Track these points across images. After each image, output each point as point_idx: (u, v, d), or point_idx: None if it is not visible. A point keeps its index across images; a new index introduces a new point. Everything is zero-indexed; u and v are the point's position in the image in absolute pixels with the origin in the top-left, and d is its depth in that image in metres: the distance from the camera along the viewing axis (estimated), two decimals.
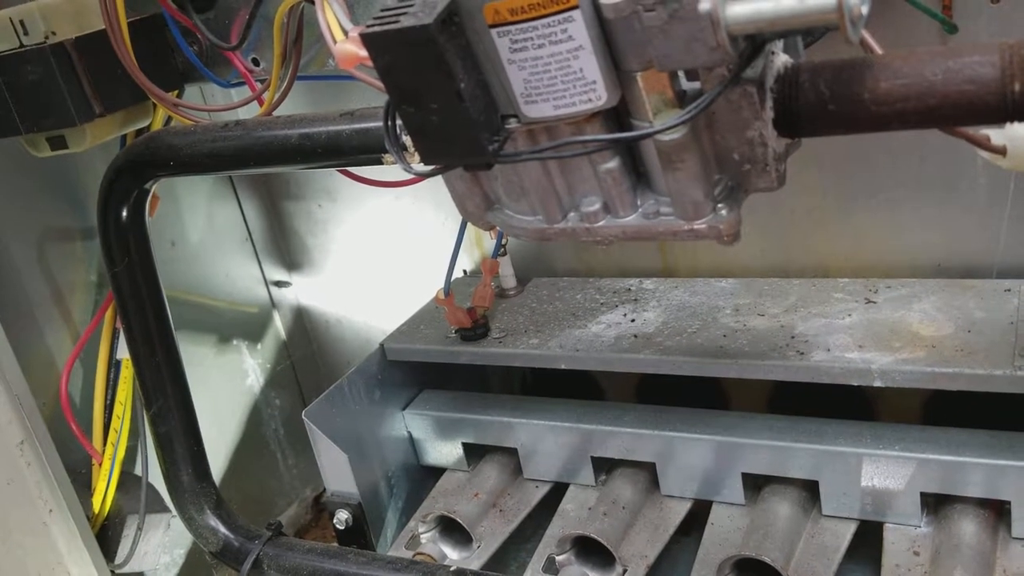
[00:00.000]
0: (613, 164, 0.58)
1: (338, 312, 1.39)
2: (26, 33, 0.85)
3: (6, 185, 1.00)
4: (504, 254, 1.07)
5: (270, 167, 0.79)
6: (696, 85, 0.53)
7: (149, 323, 0.93)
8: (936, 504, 0.82)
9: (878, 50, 0.55)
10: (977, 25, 0.79)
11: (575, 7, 0.49)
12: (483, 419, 1.01)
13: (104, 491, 1.03)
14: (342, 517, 1.00)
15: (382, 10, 0.52)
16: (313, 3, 0.62)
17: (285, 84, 0.84)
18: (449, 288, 1.00)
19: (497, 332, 1.01)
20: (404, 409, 1.07)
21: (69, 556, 0.99)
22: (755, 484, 0.90)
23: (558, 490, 0.99)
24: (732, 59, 0.48)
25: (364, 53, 0.54)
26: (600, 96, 0.53)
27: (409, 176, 0.63)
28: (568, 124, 0.56)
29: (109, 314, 1.04)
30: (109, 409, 1.04)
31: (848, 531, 0.84)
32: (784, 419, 0.88)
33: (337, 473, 0.99)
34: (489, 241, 1.10)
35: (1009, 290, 0.86)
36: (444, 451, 1.06)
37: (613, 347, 0.92)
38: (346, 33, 0.60)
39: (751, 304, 0.95)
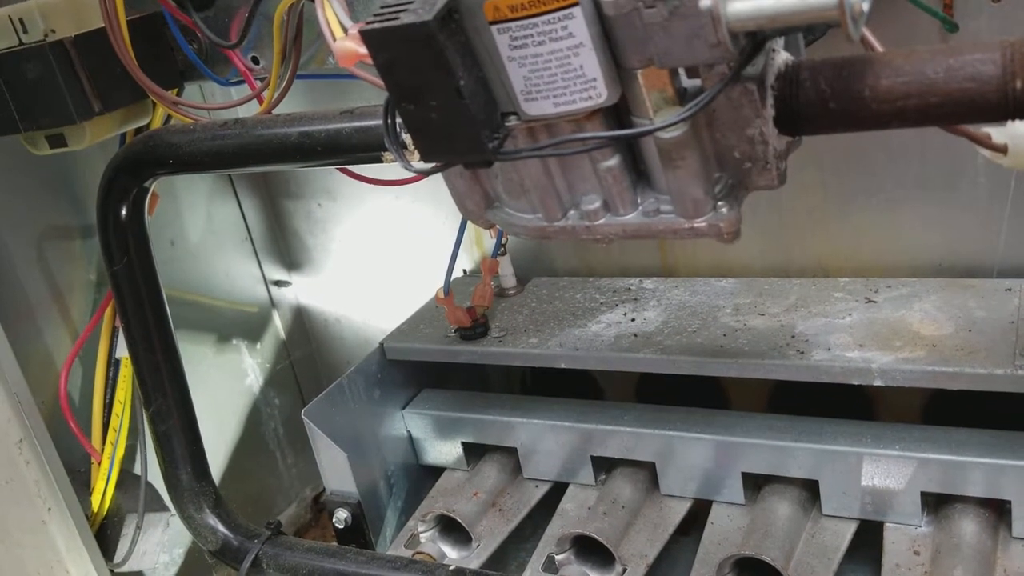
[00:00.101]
0: (613, 162, 0.58)
1: (338, 311, 1.39)
2: (25, 31, 0.85)
3: (5, 183, 1.00)
4: (504, 253, 1.07)
5: (270, 165, 0.79)
6: (697, 83, 0.53)
7: (148, 322, 0.92)
8: (936, 504, 0.82)
9: (879, 48, 0.55)
10: (978, 24, 0.79)
11: (575, 4, 0.49)
12: (483, 418, 1.01)
13: (103, 490, 1.03)
14: (341, 516, 0.99)
15: (382, 7, 0.52)
16: (313, 1, 0.62)
17: (285, 82, 0.84)
18: (449, 287, 1.00)
19: (497, 331, 1.01)
20: (404, 408, 1.07)
21: (68, 555, 0.99)
22: (755, 483, 0.90)
23: (558, 489, 0.99)
24: (733, 56, 0.48)
25: (364, 50, 0.54)
26: (600, 93, 0.53)
27: (409, 174, 0.63)
28: (568, 122, 0.56)
29: (108, 313, 1.03)
30: (108, 408, 1.04)
31: (848, 531, 0.84)
32: (784, 418, 0.88)
33: (336, 472, 0.99)
34: (489, 240, 1.10)
35: (1010, 289, 0.86)
36: (444, 450, 1.06)
37: (613, 346, 0.92)
38: (346, 30, 0.60)
39: (751, 303, 0.94)
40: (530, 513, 0.99)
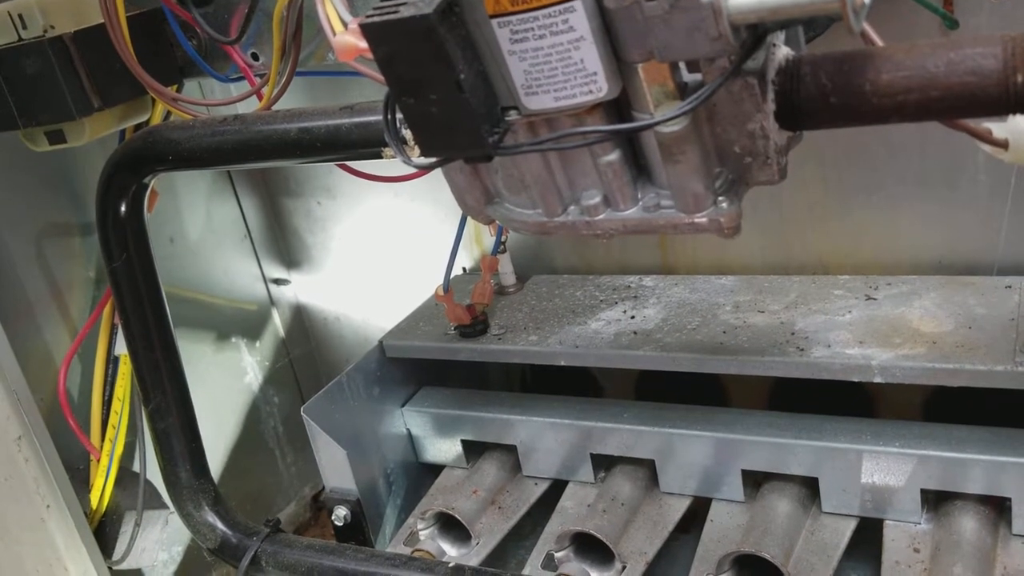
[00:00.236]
0: (614, 156, 0.58)
1: (337, 310, 1.39)
2: (24, 27, 0.85)
3: (4, 180, 1.00)
4: (504, 251, 1.07)
5: (269, 161, 0.79)
6: (697, 77, 0.53)
7: (147, 319, 0.92)
8: (936, 501, 0.82)
9: (879, 43, 0.54)
10: (978, 20, 0.79)
11: None
12: (482, 416, 1.01)
13: (102, 487, 1.03)
14: (340, 514, 0.99)
15: (382, 1, 0.52)
16: None
17: (284, 78, 0.83)
18: (449, 285, 1.00)
19: (496, 329, 1.01)
20: (403, 406, 1.07)
21: (67, 552, 0.98)
22: (755, 481, 0.90)
23: (557, 487, 0.99)
24: (734, 50, 0.48)
25: (364, 44, 0.54)
26: (601, 88, 0.53)
27: (409, 170, 0.63)
28: (569, 116, 0.56)
29: (107, 310, 1.03)
30: (107, 405, 1.04)
31: (848, 528, 0.84)
32: (784, 416, 0.88)
33: (336, 470, 0.99)
34: (489, 238, 1.10)
35: (1010, 287, 0.86)
36: (443, 448, 1.06)
37: (613, 344, 0.92)
38: (345, 25, 0.60)
39: (751, 301, 0.94)
40: (529, 511, 0.99)
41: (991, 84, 0.48)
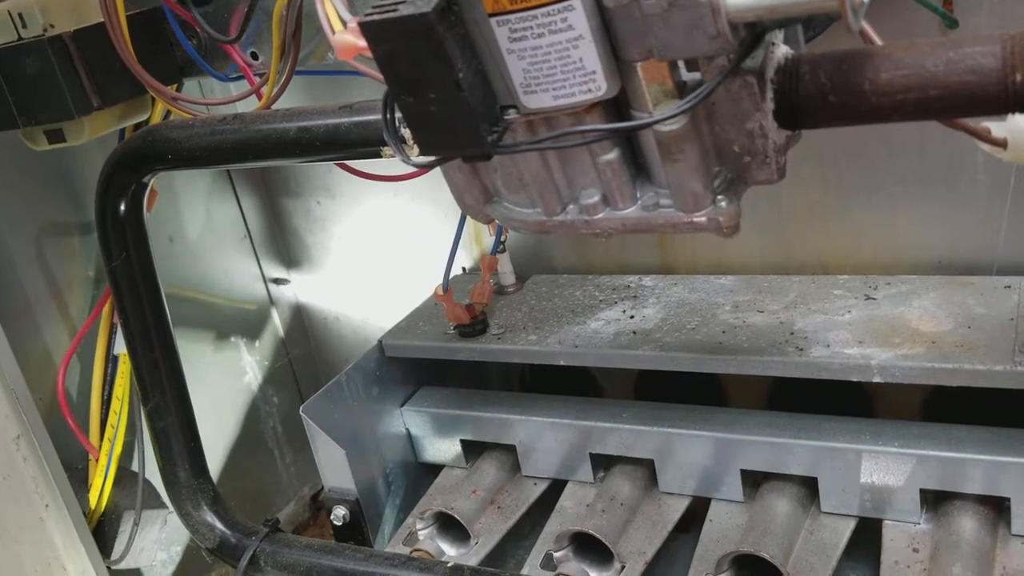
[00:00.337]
0: (612, 155, 0.58)
1: (336, 309, 1.39)
2: (24, 26, 0.85)
3: (3, 179, 1.00)
4: (503, 251, 1.07)
5: (269, 160, 0.79)
6: (696, 76, 0.53)
7: (146, 318, 0.92)
8: (935, 501, 0.82)
9: (878, 42, 0.54)
10: (978, 20, 0.79)
11: None
12: (481, 416, 1.01)
13: (101, 487, 1.03)
14: (339, 513, 0.99)
15: None
16: None
17: (284, 78, 0.83)
18: (448, 284, 1.00)
19: (496, 328, 1.01)
20: (402, 406, 1.07)
21: (65, 551, 0.98)
22: (754, 481, 0.90)
23: (556, 487, 0.99)
24: (733, 48, 0.48)
25: (363, 43, 0.54)
26: (600, 86, 0.53)
27: (408, 169, 0.63)
28: (567, 115, 0.56)
29: (107, 309, 1.03)
30: (106, 404, 1.04)
31: (847, 528, 0.84)
32: (783, 415, 0.88)
33: (335, 469, 0.98)
34: (488, 238, 1.10)
35: (1009, 287, 0.86)
36: (442, 448, 1.06)
37: (612, 343, 0.92)
38: (345, 23, 0.60)
39: (750, 301, 0.94)
40: (529, 510, 0.99)
41: (990, 83, 0.48)
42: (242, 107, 0.88)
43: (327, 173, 1.25)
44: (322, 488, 1.03)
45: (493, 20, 0.52)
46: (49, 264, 1.04)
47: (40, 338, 1.03)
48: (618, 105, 0.56)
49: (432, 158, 0.59)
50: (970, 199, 0.89)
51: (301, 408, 0.96)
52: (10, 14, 0.84)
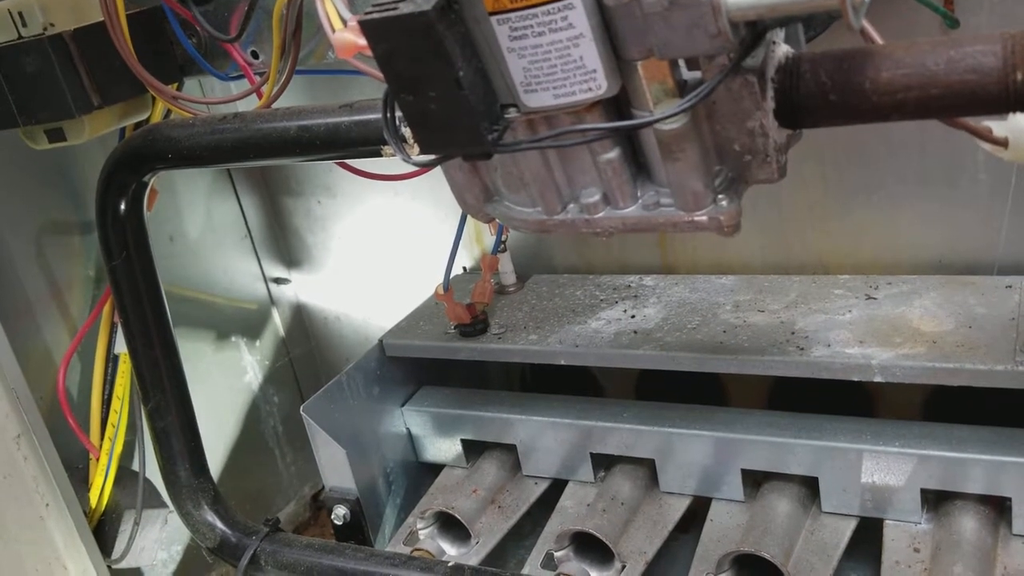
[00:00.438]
0: (613, 154, 0.58)
1: (337, 309, 1.39)
2: (24, 24, 0.85)
3: (3, 178, 1.00)
4: (504, 250, 1.07)
5: (269, 159, 0.79)
6: (697, 75, 0.53)
7: (147, 317, 0.92)
8: (936, 500, 0.81)
9: (879, 41, 0.54)
10: (979, 19, 0.79)
11: None
12: (482, 415, 1.01)
13: (101, 486, 1.03)
14: (340, 513, 0.99)
15: None
16: None
17: (284, 77, 0.83)
18: (449, 284, 1.00)
19: (496, 328, 1.01)
20: (403, 405, 1.07)
21: (66, 551, 0.98)
22: (754, 480, 0.89)
23: (557, 486, 0.99)
24: (733, 47, 0.48)
25: (363, 41, 0.54)
26: (600, 85, 0.53)
27: (409, 168, 0.63)
28: (568, 114, 0.56)
29: (107, 308, 1.03)
30: (107, 404, 1.04)
31: (848, 528, 0.84)
32: (784, 415, 0.88)
33: (335, 469, 0.98)
34: (489, 237, 1.10)
35: (1010, 286, 0.86)
36: (443, 447, 1.06)
37: (613, 343, 0.92)
38: (345, 22, 0.60)
39: (751, 300, 0.94)
40: (529, 510, 0.99)
41: (991, 82, 0.48)
42: (242, 106, 0.88)
43: (328, 172, 1.25)
44: (323, 488, 1.03)
45: (493, 18, 0.52)
46: (49, 263, 1.04)
47: (41, 337, 1.03)
48: (618, 104, 0.56)
49: (432, 157, 0.59)
50: (971, 198, 0.89)
51: (302, 408, 0.96)
52: (10, 13, 0.84)
